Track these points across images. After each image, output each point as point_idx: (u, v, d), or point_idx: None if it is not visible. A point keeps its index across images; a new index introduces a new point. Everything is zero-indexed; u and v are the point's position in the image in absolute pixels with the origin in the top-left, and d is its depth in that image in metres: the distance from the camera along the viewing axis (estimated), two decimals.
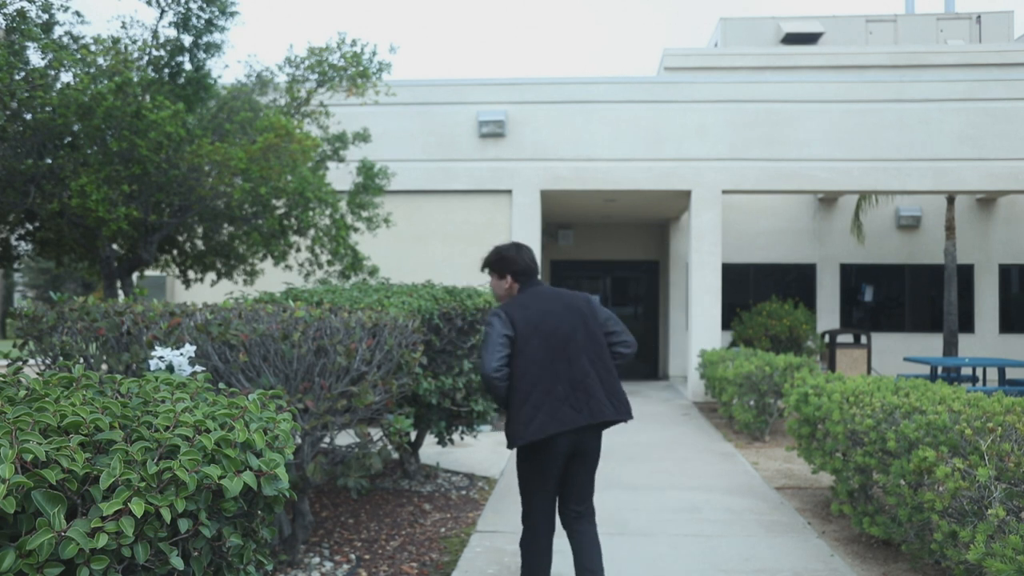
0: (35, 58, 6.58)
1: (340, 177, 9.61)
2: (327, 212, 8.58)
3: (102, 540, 1.34)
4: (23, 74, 6.29)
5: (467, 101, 11.91)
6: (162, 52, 7.56)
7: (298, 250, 8.90)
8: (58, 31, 7.10)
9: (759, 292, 14.50)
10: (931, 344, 14.15)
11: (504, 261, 3.43)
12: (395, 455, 5.85)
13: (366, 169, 9.31)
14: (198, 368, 2.74)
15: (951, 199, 12.95)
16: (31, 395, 1.68)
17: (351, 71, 8.50)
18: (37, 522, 1.30)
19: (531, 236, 11.70)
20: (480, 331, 5.78)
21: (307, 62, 8.54)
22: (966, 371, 11.25)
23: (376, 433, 5.36)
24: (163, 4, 7.33)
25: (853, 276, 14.57)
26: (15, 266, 9.26)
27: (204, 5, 7.42)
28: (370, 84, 8.62)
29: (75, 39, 7.20)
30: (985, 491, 3.08)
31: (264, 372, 3.50)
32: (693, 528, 4.87)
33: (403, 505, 5.38)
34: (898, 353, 13.85)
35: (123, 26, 7.47)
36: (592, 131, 11.82)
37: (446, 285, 6.29)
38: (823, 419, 4.89)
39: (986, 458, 3.14)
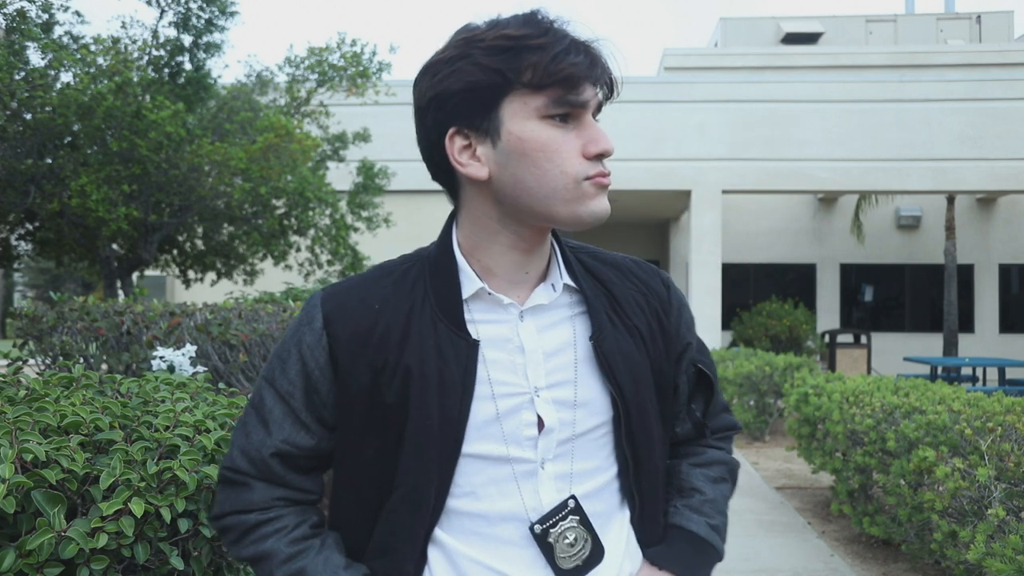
0: (35, 58, 6.58)
1: (340, 177, 9.61)
2: (327, 212, 8.58)
3: (102, 540, 1.34)
4: (23, 74, 6.29)
5: None
6: (162, 52, 7.56)
7: (298, 250, 8.90)
8: (58, 31, 7.10)
9: (759, 292, 14.50)
10: (931, 344, 14.14)
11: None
12: None
13: (366, 169, 9.31)
14: (200, 368, 2.74)
15: (951, 199, 12.96)
16: (31, 395, 1.68)
17: (351, 71, 8.51)
18: (37, 522, 1.30)
19: None
20: None
21: (307, 62, 8.54)
22: (966, 371, 11.24)
23: None
24: (163, 4, 7.33)
25: (853, 276, 14.57)
26: (15, 266, 9.26)
27: (204, 5, 7.42)
28: (370, 84, 8.63)
29: (75, 39, 7.20)
30: (985, 491, 3.08)
31: None
32: None
33: None
34: (898, 353, 13.84)
35: (123, 26, 7.48)
36: None
37: None
38: (823, 419, 4.89)
39: (986, 458, 3.14)
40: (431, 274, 1.00)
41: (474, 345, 0.95)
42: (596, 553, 0.97)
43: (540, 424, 0.96)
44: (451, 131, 0.93)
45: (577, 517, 0.96)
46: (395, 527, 0.95)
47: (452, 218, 1.04)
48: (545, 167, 0.90)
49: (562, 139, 0.91)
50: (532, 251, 0.99)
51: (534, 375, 0.97)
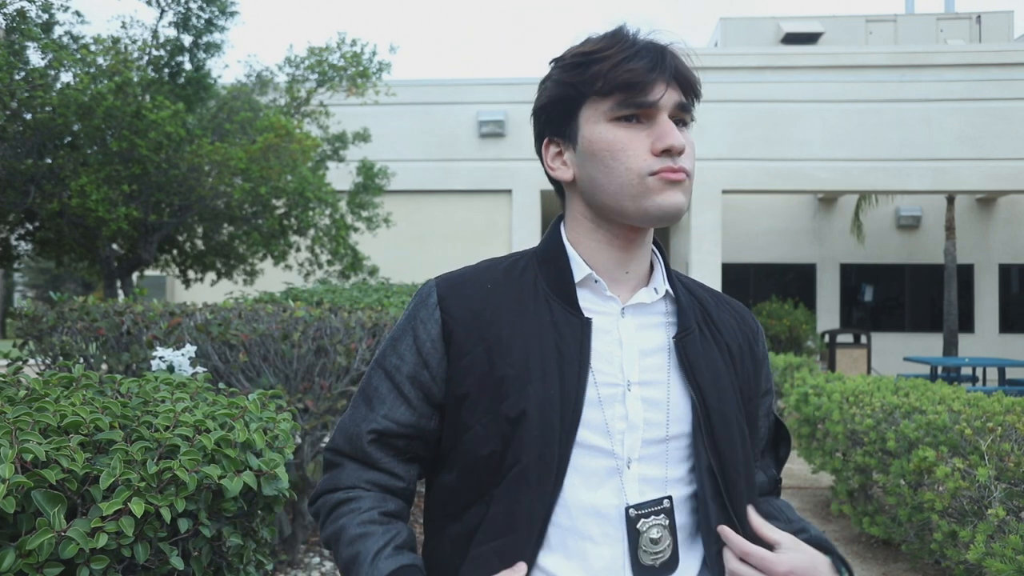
0: (35, 58, 6.59)
1: (340, 177, 9.61)
2: (327, 212, 8.58)
3: (102, 540, 1.34)
4: (23, 74, 6.29)
5: (467, 101, 11.91)
6: (162, 52, 7.56)
7: (298, 250, 8.91)
8: (58, 31, 7.10)
9: (759, 292, 14.50)
10: (931, 344, 14.14)
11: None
12: None
13: (366, 169, 9.32)
14: (200, 369, 2.74)
15: (951, 199, 12.96)
16: (31, 395, 1.68)
17: (351, 71, 8.52)
18: (37, 522, 1.30)
19: (531, 236, 11.71)
20: None
21: (307, 62, 8.55)
22: (966, 371, 11.24)
23: None
24: (163, 4, 7.33)
25: (853, 276, 14.57)
26: (15, 266, 9.26)
27: (204, 5, 7.42)
28: (370, 84, 8.63)
29: (75, 39, 7.21)
30: (985, 491, 3.08)
31: (264, 372, 3.50)
32: None
33: None
34: (898, 353, 13.85)
35: (123, 26, 7.48)
36: None
37: None
38: (823, 419, 4.89)
39: (986, 458, 3.14)
40: (540, 261, 1.04)
41: (587, 323, 0.98)
42: (672, 562, 0.96)
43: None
44: (546, 140, 1.04)
45: (667, 520, 0.96)
46: (514, 506, 0.93)
47: (559, 219, 1.09)
48: (611, 165, 0.96)
49: (629, 138, 0.96)
50: (629, 250, 1.03)
51: (629, 369, 0.98)
